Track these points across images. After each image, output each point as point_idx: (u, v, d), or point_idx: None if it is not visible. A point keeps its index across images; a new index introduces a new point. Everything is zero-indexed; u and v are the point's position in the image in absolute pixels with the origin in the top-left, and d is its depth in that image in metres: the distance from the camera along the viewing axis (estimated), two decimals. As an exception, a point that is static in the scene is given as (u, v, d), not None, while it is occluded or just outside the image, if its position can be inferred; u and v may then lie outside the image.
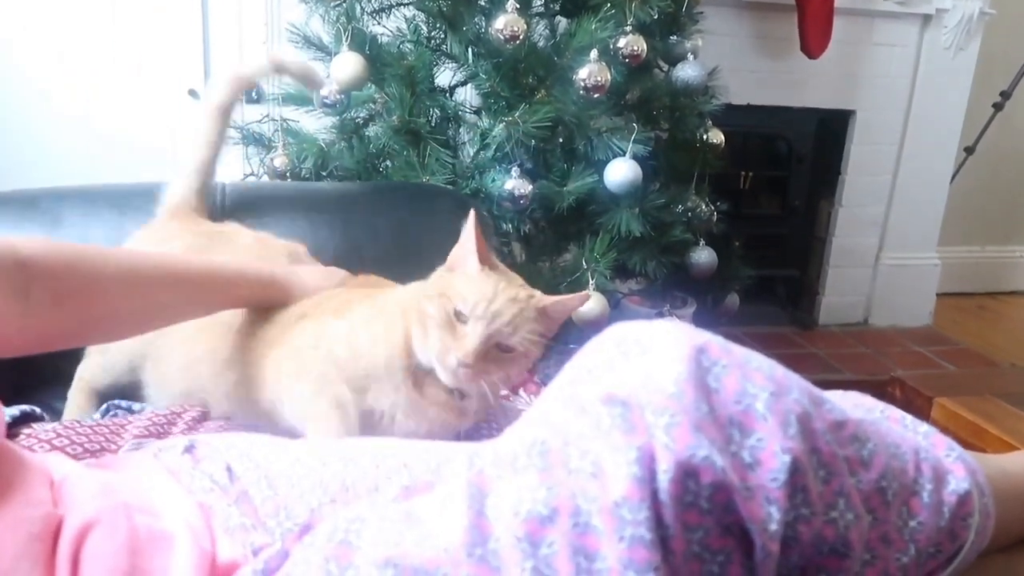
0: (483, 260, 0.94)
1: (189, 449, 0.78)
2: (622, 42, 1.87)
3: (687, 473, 0.49)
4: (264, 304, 1.03)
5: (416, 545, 0.52)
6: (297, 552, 0.59)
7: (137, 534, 0.61)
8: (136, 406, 1.07)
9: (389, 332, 0.95)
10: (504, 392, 0.96)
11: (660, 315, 2.16)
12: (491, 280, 0.91)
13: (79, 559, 0.58)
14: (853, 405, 0.65)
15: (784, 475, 0.51)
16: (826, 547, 0.54)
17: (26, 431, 0.91)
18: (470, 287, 0.91)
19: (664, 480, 0.49)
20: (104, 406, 1.06)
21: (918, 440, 0.65)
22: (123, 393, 1.11)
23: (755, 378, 0.54)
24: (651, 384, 0.52)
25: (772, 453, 0.52)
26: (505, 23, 1.74)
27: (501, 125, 1.78)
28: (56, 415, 1.07)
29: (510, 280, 0.94)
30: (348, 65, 1.77)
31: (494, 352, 0.89)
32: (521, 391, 1.19)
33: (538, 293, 0.94)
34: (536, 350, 0.92)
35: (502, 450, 0.55)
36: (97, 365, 1.12)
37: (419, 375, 0.95)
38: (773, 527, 0.51)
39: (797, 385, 0.56)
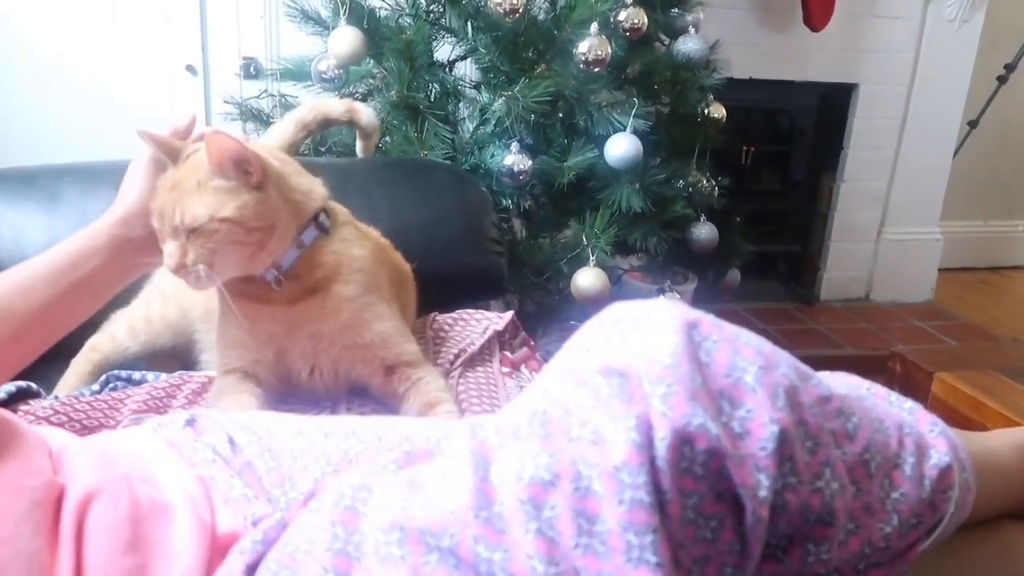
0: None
1: (190, 422, 0.78)
2: (622, 15, 1.85)
3: (683, 440, 0.50)
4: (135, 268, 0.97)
5: (422, 510, 0.53)
6: (302, 517, 0.60)
7: (139, 504, 0.62)
8: (136, 375, 1.07)
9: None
10: (268, 266, 0.94)
11: (661, 291, 2.16)
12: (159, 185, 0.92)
13: (83, 528, 0.59)
14: (839, 383, 0.66)
15: (772, 444, 0.53)
16: (813, 516, 0.56)
17: (23, 408, 0.92)
18: None
19: (661, 447, 0.50)
20: (103, 377, 1.07)
21: (902, 415, 0.66)
22: (139, 362, 1.13)
23: (744, 352, 0.55)
24: (648, 356, 0.53)
25: (761, 423, 0.53)
26: (504, -4, 1.72)
27: (500, 100, 1.77)
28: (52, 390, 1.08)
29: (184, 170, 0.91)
30: (346, 39, 1.75)
31: (196, 237, 0.87)
32: (523, 367, 1.19)
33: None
34: (232, 204, 0.87)
35: (504, 421, 0.56)
36: (122, 332, 1.14)
37: (248, 295, 0.96)
38: (763, 494, 0.52)
39: (785, 360, 0.57)
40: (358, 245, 1.01)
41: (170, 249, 0.88)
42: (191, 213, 0.87)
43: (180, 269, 0.88)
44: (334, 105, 1.30)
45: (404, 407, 1.01)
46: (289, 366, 0.99)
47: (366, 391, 1.04)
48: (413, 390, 1.01)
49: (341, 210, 1.04)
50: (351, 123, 1.33)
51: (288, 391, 1.02)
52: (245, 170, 0.89)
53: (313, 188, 0.98)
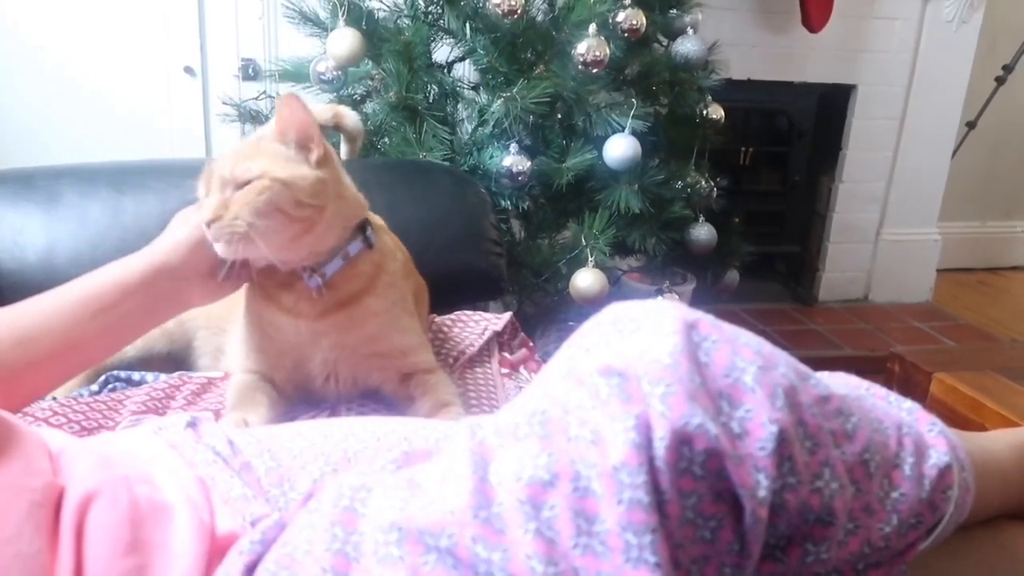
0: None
1: (192, 425, 0.78)
2: (621, 16, 1.86)
3: (682, 440, 0.50)
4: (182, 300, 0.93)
5: (421, 510, 0.53)
6: (301, 517, 0.60)
7: (138, 505, 0.62)
8: (135, 376, 1.07)
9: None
10: (300, 250, 0.90)
11: (659, 292, 2.16)
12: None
13: (82, 529, 0.59)
14: (839, 383, 0.66)
15: (772, 444, 0.53)
16: (812, 516, 0.56)
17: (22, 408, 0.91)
18: None
19: (660, 447, 0.50)
20: (102, 378, 1.07)
21: (901, 415, 0.66)
22: (135, 365, 1.12)
23: (744, 353, 0.55)
24: (647, 356, 0.53)
25: (760, 423, 0.53)
26: (503, -3, 1.72)
27: (499, 101, 1.77)
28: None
29: None
30: (345, 41, 1.75)
31: (243, 193, 0.84)
32: (522, 368, 1.19)
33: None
34: (289, 169, 0.85)
35: (503, 421, 0.56)
36: None
37: (279, 303, 0.95)
38: (762, 494, 0.52)
39: (784, 360, 0.57)
40: (392, 257, 1.01)
41: (211, 201, 0.84)
42: (244, 165, 0.84)
43: (216, 220, 0.83)
44: (320, 110, 1.31)
45: (414, 408, 1.01)
46: (307, 373, 1.00)
47: (376, 393, 1.05)
48: (429, 393, 1.01)
49: (377, 219, 1.04)
50: (337, 128, 1.34)
51: (301, 394, 1.02)
52: (307, 147, 0.88)
53: (359, 195, 0.98)
